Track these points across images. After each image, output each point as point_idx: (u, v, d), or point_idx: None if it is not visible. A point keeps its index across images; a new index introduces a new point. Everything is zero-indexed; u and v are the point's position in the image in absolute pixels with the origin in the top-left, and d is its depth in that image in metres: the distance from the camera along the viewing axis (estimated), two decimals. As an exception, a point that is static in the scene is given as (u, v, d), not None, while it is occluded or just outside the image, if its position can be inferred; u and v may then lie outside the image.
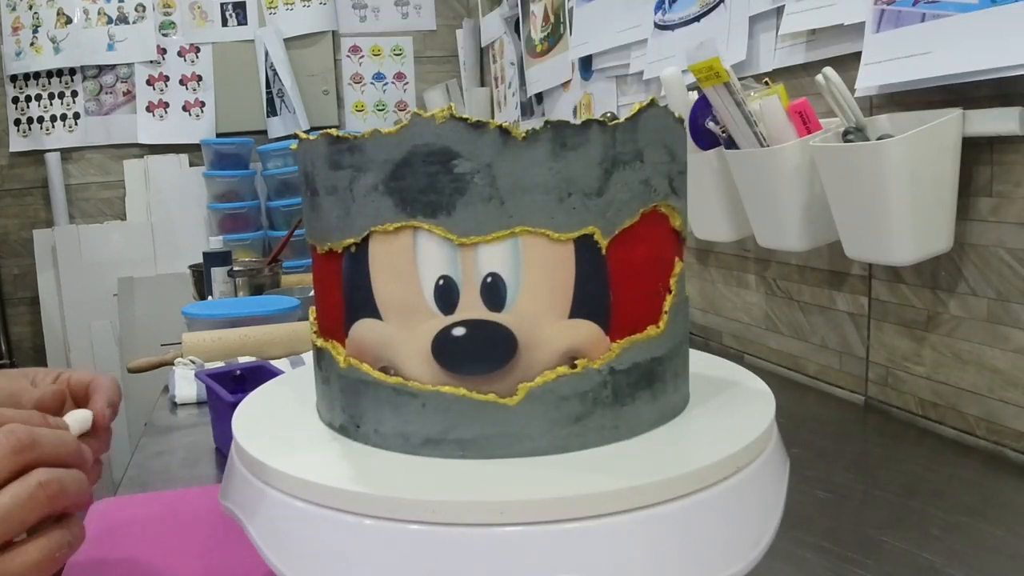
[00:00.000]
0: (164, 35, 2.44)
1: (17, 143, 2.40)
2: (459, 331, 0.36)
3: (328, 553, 0.35)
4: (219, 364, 1.07)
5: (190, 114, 2.47)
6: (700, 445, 0.38)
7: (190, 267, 1.84)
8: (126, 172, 2.45)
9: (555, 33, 1.73)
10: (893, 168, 0.72)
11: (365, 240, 0.38)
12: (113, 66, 2.42)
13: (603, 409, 0.38)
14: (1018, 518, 0.64)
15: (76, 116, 2.41)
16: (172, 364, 1.10)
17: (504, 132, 0.35)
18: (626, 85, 1.46)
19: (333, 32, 2.53)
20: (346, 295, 0.40)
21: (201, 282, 1.67)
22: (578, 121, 0.36)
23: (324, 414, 0.44)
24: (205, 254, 1.58)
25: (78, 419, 0.44)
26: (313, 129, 2.38)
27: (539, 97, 1.90)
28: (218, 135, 2.46)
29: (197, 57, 2.46)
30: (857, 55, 0.84)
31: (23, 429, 0.37)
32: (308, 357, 0.73)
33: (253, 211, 2.37)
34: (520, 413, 0.37)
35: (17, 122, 2.39)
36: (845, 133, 0.80)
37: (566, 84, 1.71)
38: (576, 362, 0.37)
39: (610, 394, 0.38)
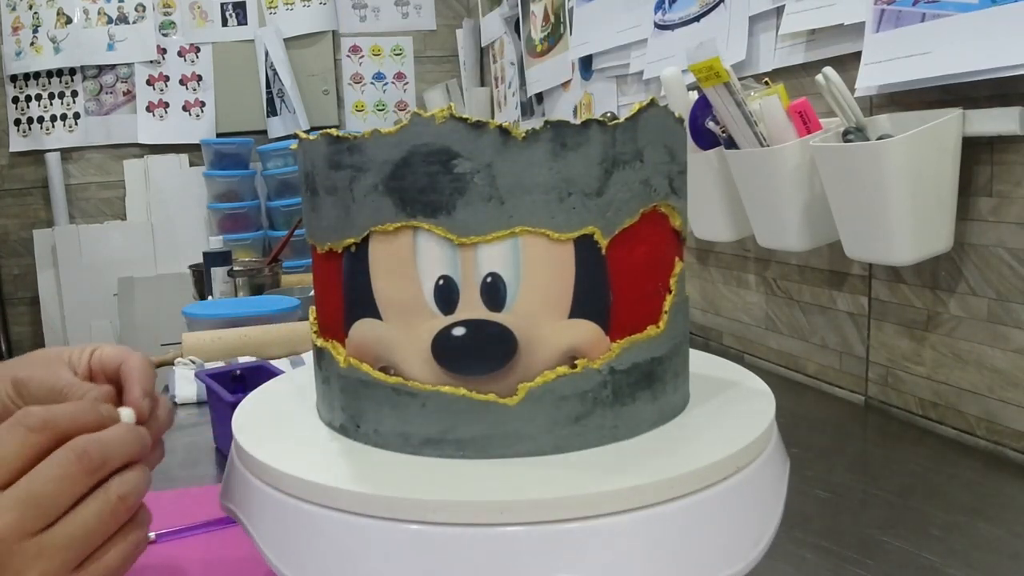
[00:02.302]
0: (164, 35, 2.44)
1: (17, 143, 2.40)
2: (459, 331, 0.36)
3: (328, 553, 0.35)
4: (219, 364, 1.07)
5: (190, 114, 2.47)
6: (700, 445, 0.38)
7: (190, 267, 1.84)
8: (126, 172, 2.45)
9: (555, 33, 1.73)
10: (893, 168, 0.72)
11: (365, 240, 0.38)
12: (113, 66, 2.42)
13: (603, 409, 0.38)
14: (1018, 518, 0.64)
15: (76, 116, 2.41)
16: (172, 364, 1.10)
17: (504, 132, 0.35)
18: (626, 85, 1.46)
19: (333, 32, 2.53)
20: (346, 295, 0.40)
21: (201, 282, 1.67)
22: (578, 121, 0.36)
23: (324, 414, 0.44)
24: (205, 254, 1.58)
25: (126, 416, 0.42)
26: (313, 129, 2.38)
27: (539, 97, 1.90)
28: (218, 135, 2.46)
29: (197, 57, 2.46)
30: (857, 55, 0.84)
31: (94, 447, 0.36)
32: (308, 357, 0.73)
33: (253, 211, 2.37)
34: (520, 413, 0.37)
35: (17, 122, 2.39)
36: (845, 133, 0.80)
37: (566, 84, 1.71)
38: (576, 362, 0.37)
39: (610, 394, 0.38)
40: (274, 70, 2.43)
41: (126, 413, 0.42)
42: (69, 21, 2.37)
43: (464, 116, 0.35)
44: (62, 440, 0.36)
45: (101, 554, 0.36)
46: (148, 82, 2.44)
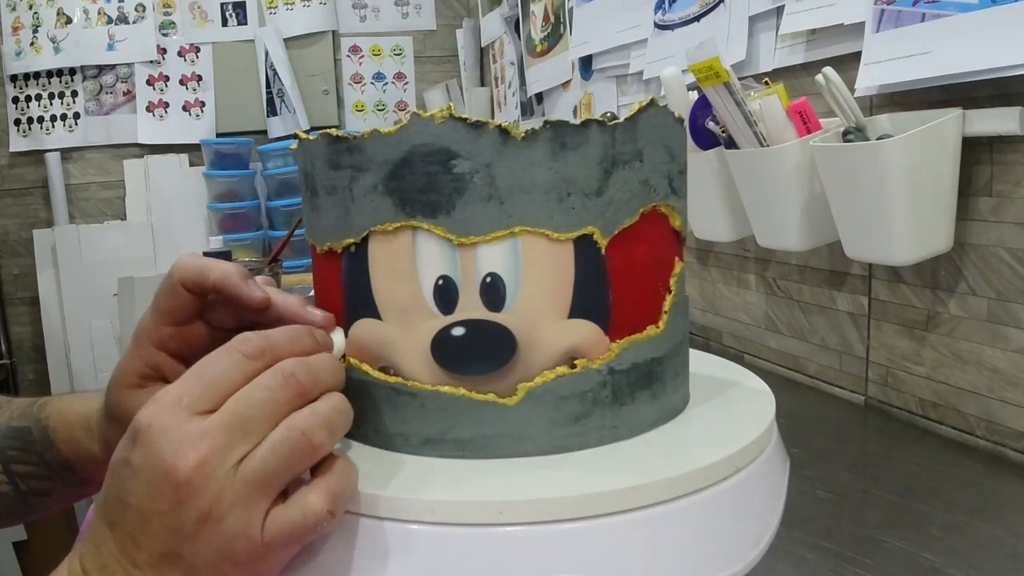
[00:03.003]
0: (164, 35, 2.43)
1: (17, 143, 2.39)
2: (458, 331, 0.36)
3: (328, 553, 0.35)
4: (219, 364, 1.07)
5: (190, 114, 2.47)
6: (700, 445, 0.38)
7: (190, 267, 1.83)
8: (126, 172, 2.45)
9: (555, 33, 1.73)
10: (893, 168, 0.72)
11: (365, 240, 0.38)
12: (113, 66, 2.42)
13: (603, 409, 0.38)
14: (1018, 518, 0.64)
15: (76, 116, 2.41)
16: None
17: (503, 132, 0.35)
18: (626, 85, 1.46)
19: (333, 32, 2.53)
20: (346, 295, 0.40)
21: (201, 282, 1.66)
22: (578, 121, 0.36)
23: (324, 414, 0.44)
24: (205, 254, 1.58)
25: (341, 343, 0.39)
26: (313, 129, 2.37)
27: (539, 97, 1.90)
28: (218, 135, 2.45)
29: (197, 57, 2.46)
30: (857, 55, 0.84)
31: (302, 369, 0.34)
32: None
33: (253, 211, 2.37)
34: (520, 413, 0.37)
35: (17, 122, 2.39)
36: (845, 133, 0.80)
37: (566, 84, 1.71)
38: (576, 362, 0.37)
39: (610, 394, 0.38)
40: (274, 70, 2.43)
41: (339, 340, 0.40)
42: (69, 21, 2.37)
43: (463, 116, 0.35)
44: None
45: (283, 507, 0.32)
46: (148, 82, 2.43)
